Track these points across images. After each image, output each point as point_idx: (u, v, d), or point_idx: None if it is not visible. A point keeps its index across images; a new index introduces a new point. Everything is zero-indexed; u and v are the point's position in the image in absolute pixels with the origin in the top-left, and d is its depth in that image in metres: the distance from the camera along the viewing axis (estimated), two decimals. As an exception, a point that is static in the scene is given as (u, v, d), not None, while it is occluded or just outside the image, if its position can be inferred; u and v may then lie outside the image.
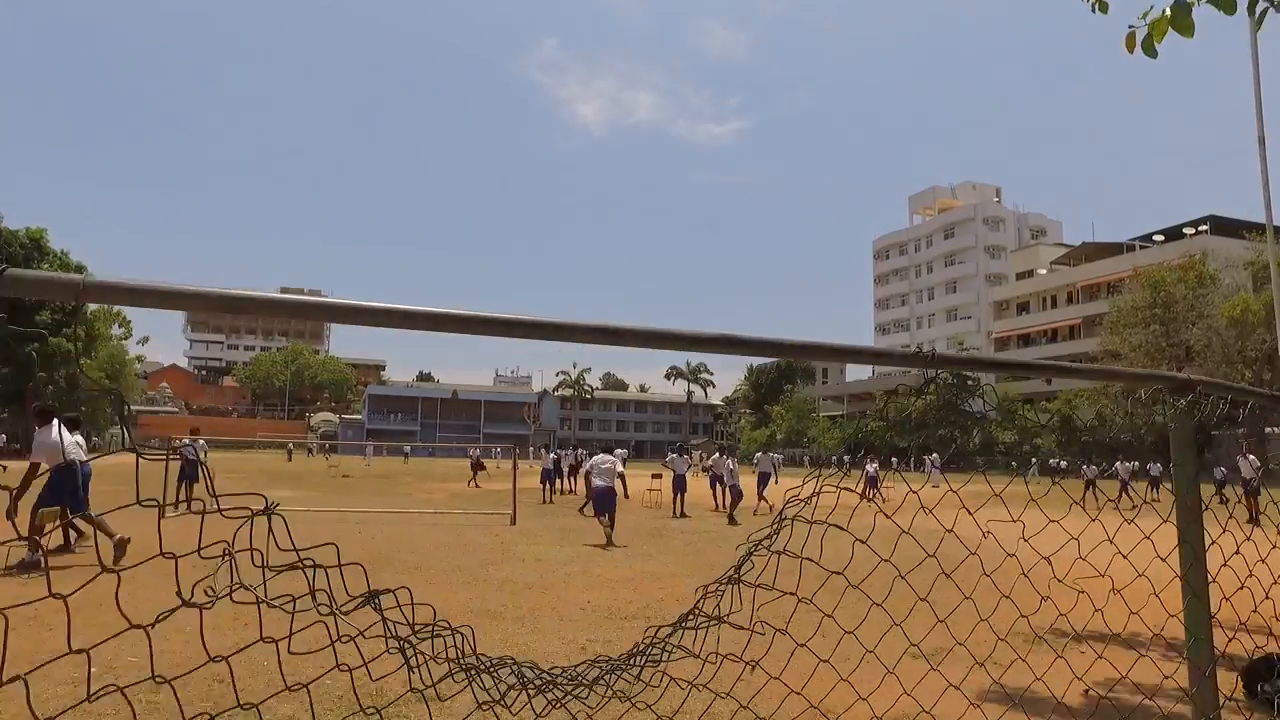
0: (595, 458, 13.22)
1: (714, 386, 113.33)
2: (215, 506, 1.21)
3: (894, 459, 29.26)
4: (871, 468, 27.74)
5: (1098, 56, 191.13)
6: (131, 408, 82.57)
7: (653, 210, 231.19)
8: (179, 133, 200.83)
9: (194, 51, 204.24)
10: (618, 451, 18.28)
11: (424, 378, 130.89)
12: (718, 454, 19.36)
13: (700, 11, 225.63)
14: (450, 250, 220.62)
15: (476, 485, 25.35)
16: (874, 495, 26.27)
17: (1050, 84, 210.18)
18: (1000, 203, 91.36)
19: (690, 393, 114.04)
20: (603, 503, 11.97)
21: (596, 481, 12.31)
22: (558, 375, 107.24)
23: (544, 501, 19.98)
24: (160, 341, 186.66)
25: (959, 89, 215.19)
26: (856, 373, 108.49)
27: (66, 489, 8.87)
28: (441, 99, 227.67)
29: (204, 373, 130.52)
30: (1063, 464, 50.47)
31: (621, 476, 13.98)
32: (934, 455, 40.58)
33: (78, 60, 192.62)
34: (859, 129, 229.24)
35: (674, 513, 17.02)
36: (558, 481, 22.31)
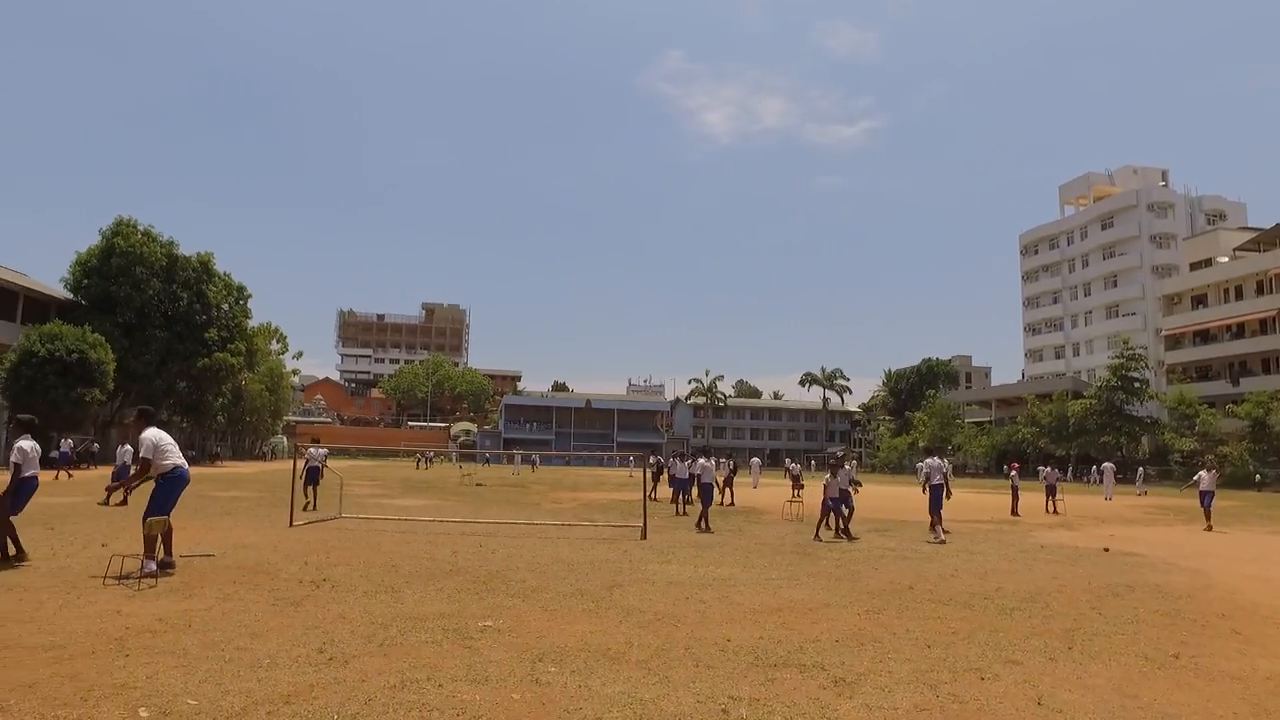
0: (701, 461, 18.06)
1: (850, 393, 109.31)
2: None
3: (1042, 467, 26.25)
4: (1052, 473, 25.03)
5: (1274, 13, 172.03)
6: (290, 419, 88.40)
7: (782, 214, 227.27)
8: (328, 160, 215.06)
9: (341, 81, 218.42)
10: (705, 459, 18.69)
11: (559, 387, 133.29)
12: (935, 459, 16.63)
13: (827, 13, 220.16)
14: (586, 262, 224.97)
15: (655, 497, 22.66)
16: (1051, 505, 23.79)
17: (1222, 50, 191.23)
18: (1167, 186, 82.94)
19: (826, 399, 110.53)
20: (707, 493, 16.18)
21: (704, 478, 16.58)
22: (690, 383, 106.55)
23: (677, 514, 18.88)
24: (313, 358, 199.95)
25: (1114, 65, 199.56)
26: (1003, 376, 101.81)
27: (160, 495, 8.55)
28: (572, 117, 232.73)
29: (354, 385, 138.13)
30: None
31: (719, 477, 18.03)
32: (1107, 464, 36.58)
33: (241, 93, 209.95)
34: (1000, 119, 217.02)
35: (835, 531, 14.61)
36: (694, 492, 20.66)
